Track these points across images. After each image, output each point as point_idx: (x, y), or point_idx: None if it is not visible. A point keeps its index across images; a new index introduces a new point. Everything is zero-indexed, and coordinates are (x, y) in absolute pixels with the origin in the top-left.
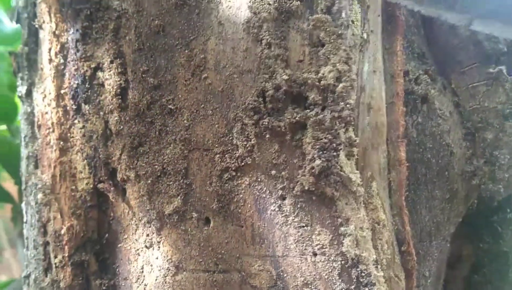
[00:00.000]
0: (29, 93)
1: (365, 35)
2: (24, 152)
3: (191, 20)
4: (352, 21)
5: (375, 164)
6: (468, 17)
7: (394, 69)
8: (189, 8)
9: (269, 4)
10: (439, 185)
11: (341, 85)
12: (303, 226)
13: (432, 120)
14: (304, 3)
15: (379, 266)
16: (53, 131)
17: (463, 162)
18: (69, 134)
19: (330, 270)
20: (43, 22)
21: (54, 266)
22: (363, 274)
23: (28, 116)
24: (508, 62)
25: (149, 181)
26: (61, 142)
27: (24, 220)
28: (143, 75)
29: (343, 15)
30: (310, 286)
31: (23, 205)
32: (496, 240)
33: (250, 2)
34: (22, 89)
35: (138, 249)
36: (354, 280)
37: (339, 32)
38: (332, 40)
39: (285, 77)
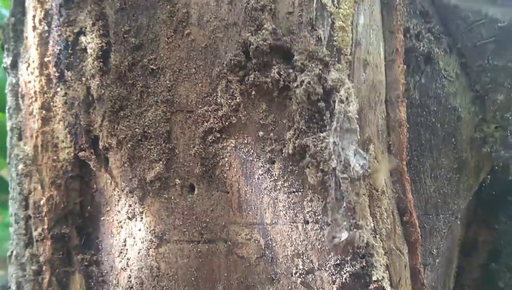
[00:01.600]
0: (14, 64)
1: None
2: (8, 124)
3: None
4: None
5: (373, 126)
6: None
7: (393, 24)
8: None
9: None
10: (446, 152)
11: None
12: (294, 192)
13: (437, 81)
14: None
15: (377, 236)
16: (36, 100)
17: (471, 128)
18: (52, 103)
19: (323, 240)
20: None
21: (35, 240)
22: (360, 244)
23: (13, 87)
24: None
25: (129, 146)
26: (44, 111)
27: (10, 196)
28: (125, 36)
29: None
30: (301, 257)
31: (9, 180)
32: None
33: None
34: (7, 60)
35: (120, 221)
36: (350, 251)
37: None
38: None
39: (271, 29)
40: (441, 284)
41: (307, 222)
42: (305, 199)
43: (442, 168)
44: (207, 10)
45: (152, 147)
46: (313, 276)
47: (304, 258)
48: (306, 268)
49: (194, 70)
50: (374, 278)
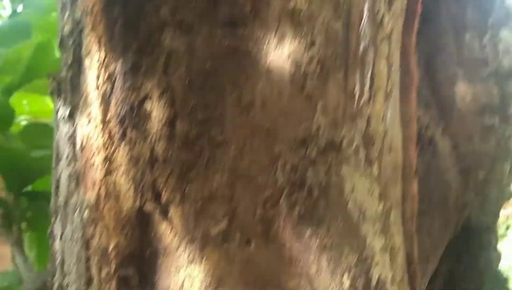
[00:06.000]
0: (71, 115)
1: (389, 89)
2: (65, 172)
3: (241, 65)
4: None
5: (393, 197)
6: None
7: (410, 115)
8: (240, 55)
9: (312, 59)
10: (439, 214)
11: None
12: (334, 249)
13: (436, 159)
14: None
15: (394, 286)
16: (98, 153)
17: (457, 196)
18: (113, 157)
19: (354, 288)
20: (90, 51)
21: (97, 279)
22: None
23: (70, 137)
24: (500, 111)
25: (199, 204)
26: (107, 164)
27: (58, 235)
28: (192, 109)
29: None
30: None
31: (57, 221)
32: (473, 260)
33: (295, 56)
34: (64, 111)
35: (179, 266)
36: None
37: None
38: None
39: (323, 122)
40: None
41: (343, 274)
42: (343, 255)
43: (435, 227)
44: (269, 100)
45: (218, 207)
46: None
47: None
48: None
49: (256, 145)
50: None
